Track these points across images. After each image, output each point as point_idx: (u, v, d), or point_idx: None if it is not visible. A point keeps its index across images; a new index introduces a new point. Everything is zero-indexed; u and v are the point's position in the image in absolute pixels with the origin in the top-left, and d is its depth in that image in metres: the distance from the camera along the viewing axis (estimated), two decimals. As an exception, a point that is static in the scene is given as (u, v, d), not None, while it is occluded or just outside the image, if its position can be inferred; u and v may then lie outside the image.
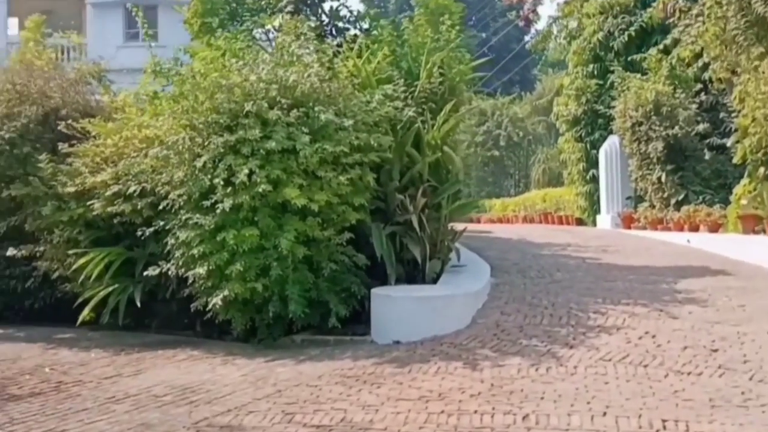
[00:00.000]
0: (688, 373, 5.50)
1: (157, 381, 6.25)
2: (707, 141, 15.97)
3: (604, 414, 4.70)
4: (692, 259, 11.17)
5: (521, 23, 34.93)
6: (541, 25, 25.88)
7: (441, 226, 8.92)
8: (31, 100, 10.29)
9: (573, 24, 21.25)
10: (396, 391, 5.44)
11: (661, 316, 7.24)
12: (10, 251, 9.37)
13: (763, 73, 10.51)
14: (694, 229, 13.59)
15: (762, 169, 11.58)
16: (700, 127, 15.56)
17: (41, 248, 9.33)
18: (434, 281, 8.47)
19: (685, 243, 13.20)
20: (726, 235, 12.33)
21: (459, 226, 9.75)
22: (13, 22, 25.51)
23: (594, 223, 20.02)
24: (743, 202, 11.63)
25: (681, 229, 14.07)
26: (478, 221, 29.56)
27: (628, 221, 16.96)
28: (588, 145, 20.24)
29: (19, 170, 9.82)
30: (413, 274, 8.54)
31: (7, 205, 9.85)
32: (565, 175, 22.99)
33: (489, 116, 35.24)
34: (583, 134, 20.35)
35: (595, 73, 19.94)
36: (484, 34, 46.64)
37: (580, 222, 21.68)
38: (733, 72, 12.04)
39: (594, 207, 20.35)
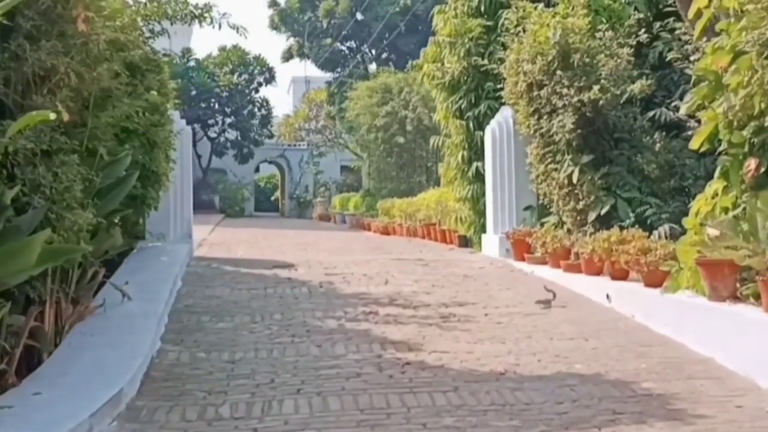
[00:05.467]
0: None
1: None
2: (652, 113, 11.09)
3: None
4: (612, 352, 6.29)
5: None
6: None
7: None
8: None
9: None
10: None
11: None
12: None
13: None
14: (621, 275, 8.62)
15: (753, 162, 6.50)
16: (636, 87, 10.53)
17: None
18: None
19: (603, 301, 8.36)
20: (679, 295, 7.22)
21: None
22: None
23: (480, 246, 15.13)
24: (710, 230, 6.51)
25: (598, 273, 9.13)
26: (369, 228, 28.03)
27: (521, 248, 12.00)
28: (472, 123, 15.20)
29: None
30: None
31: None
32: (440, 169, 18.22)
33: (395, 94, 31.00)
34: (463, 106, 15.26)
35: (483, 8, 14.98)
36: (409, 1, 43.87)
37: (464, 242, 16.80)
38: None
39: (482, 220, 15.44)
